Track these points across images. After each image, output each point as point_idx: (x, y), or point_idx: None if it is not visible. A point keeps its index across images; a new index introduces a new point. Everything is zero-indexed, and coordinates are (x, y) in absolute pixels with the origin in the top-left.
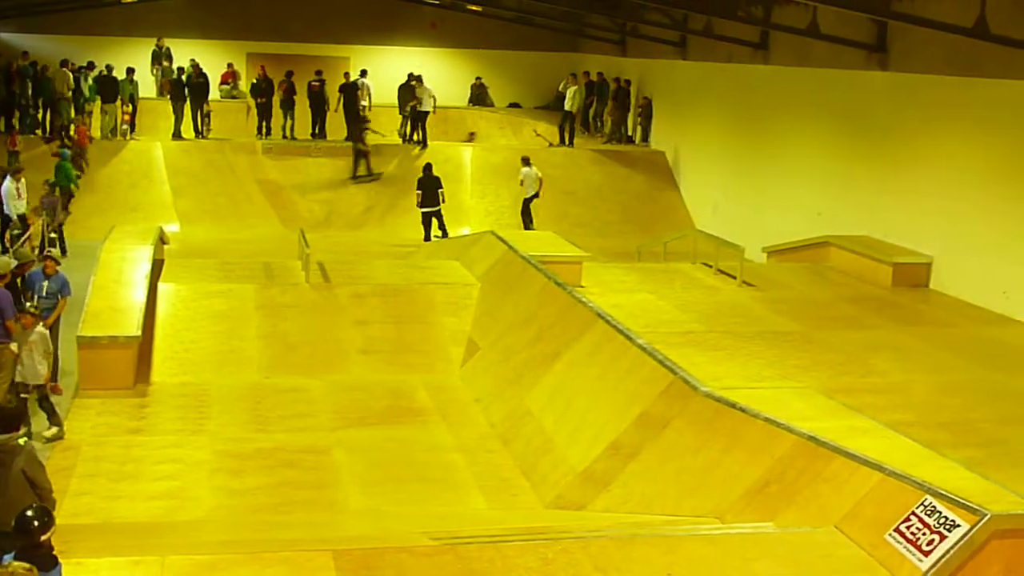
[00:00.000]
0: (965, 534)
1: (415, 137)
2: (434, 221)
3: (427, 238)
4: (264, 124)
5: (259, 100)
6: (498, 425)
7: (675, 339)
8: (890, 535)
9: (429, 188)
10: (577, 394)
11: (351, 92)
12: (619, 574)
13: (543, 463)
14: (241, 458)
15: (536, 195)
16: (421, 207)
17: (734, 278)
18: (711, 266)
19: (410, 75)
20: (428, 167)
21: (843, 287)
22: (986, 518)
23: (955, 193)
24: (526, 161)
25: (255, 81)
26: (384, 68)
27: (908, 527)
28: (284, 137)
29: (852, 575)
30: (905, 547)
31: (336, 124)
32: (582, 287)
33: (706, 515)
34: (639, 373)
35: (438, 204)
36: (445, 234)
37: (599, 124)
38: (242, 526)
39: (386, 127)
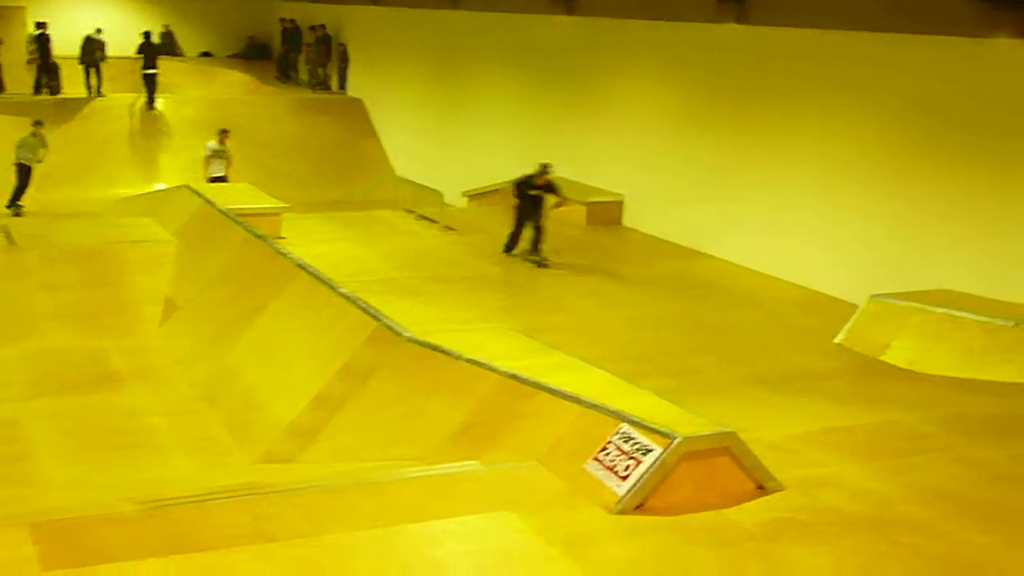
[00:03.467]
0: (658, 458)
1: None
2: None
3: None
4: None
5: None
6: (201, 385)
7: (378, 287)
8: (589, 464)
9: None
10: (281, 348)
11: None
12: (329, 522)
13: (249, 420)
14: None
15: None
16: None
17: (435, 223)
18: (412, 212)
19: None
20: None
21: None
22: (676, 441)
23: (645, 134)
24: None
25: None
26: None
27: (606, 455)
28: None
29: (556, 504)
30: (604, 474)
31: (13, 78)
32: (282, 238)
33: (413, 460)
34: (343, 322)
35: None
36: None
37: (293, 74)
38: None
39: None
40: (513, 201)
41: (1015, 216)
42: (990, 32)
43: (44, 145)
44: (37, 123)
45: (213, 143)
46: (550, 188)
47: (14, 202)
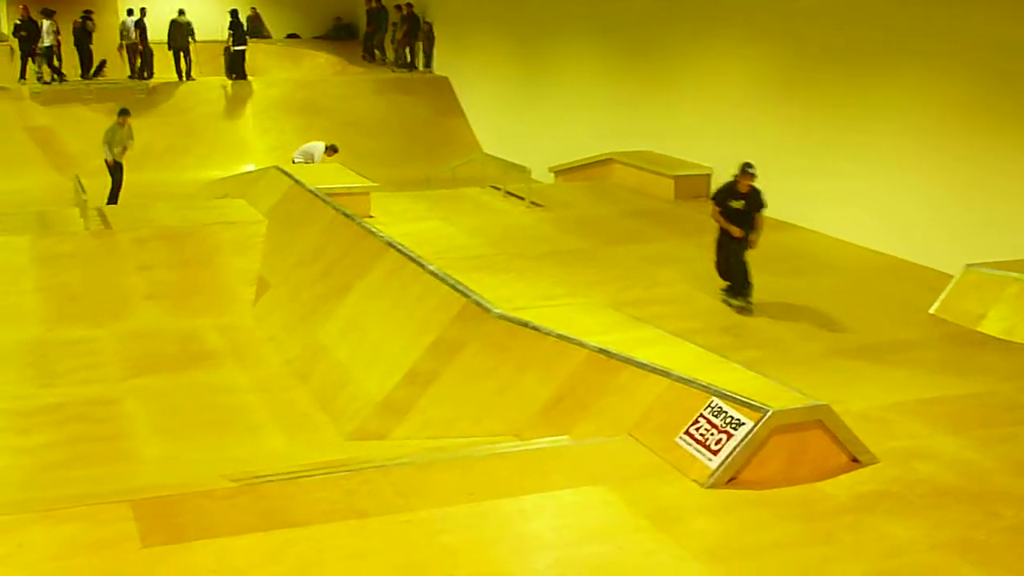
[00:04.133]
0: (749, 431)
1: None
2: None
3: None
4: (30, 68)
5: (24, 42)
6: (293, 362)
7: (466, 264)
8: (680, 438)
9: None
10: (371, 325)
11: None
12: (421, 498)
13: (341, 396)
14: (27, 415)
15: None
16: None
17: (522, 199)
18: (499, 189)
19: (180, 11)
20: None
21: (627, 203)
22: (768, 415)
23: (731, 106)
24: None
25: (18, 22)
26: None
27: (697, 429)
28: (49, 81)
29: (646, 478)
30: (695, 448)
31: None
32: (371, 217)
33: (504, 434)
34: (431, 299)
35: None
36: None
37: (379, 54)
38: (32, 484)
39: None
40: (715, 222)
41: None
42: None
43: (131, 136)
44: (123, 112)
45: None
46: (756, 200)
47: (114, 200)
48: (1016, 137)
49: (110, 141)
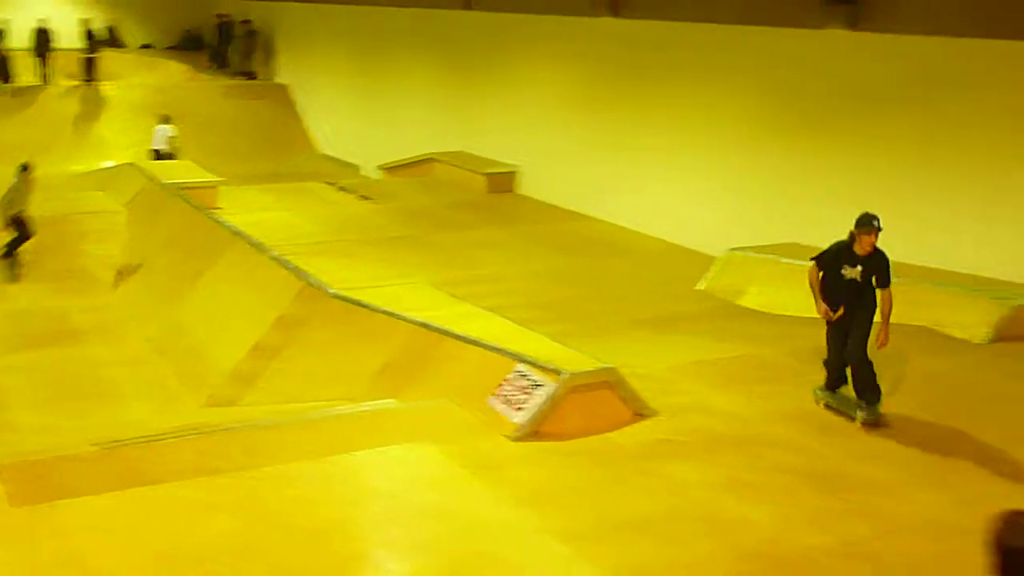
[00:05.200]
0: (548, 391)
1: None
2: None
3: None
4: None
5: None
6: (153, 339)
7: (307, 250)
8: (490, 399)
9: None
10: (222, 304)
11: None
12: (266, 456)
13: (196, 368)
14: None
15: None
16: None
17: (354, 193)
18: (334, 184)
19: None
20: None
21: (447, 196)
22: (563, 376)
23: (538, 113)
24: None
25: None
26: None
27: (505, 391)
28: None
29: (464, 435)
30: (504, 407)
31: None
32: (219, 209)
33: (340, 399)
34: (275, 282)
35: None
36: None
37: (226, 62)
38: None
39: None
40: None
41: (849, 178)
42: (823, 24)
43: (30, 191)
44: (24, 167)
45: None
46: (879, 266)
47: (12, 252)
48: (773, 143)
49: (12, 199)
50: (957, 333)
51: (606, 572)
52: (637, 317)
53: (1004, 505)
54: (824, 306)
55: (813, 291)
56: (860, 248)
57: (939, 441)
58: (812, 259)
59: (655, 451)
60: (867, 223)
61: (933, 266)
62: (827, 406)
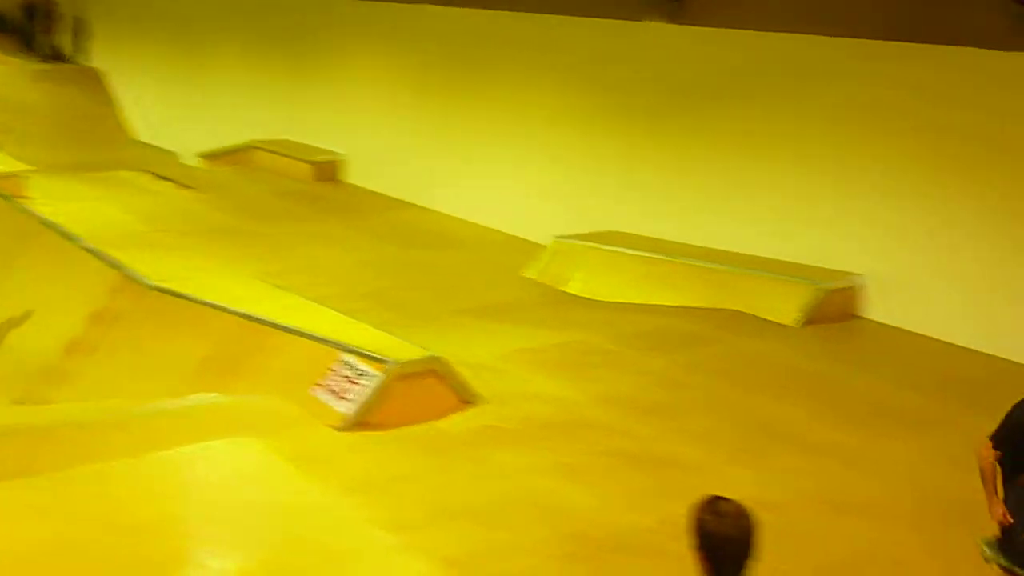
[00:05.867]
0: (375, 381)
1: None
2: None
3: None
4: None
5: None
6: None
7: (124, 240)
8: (315, 390)
9: None
10: (34, 299)
11: None
12: (83, 454)
13: (7, 365)
14: None
15: None
16: None
17: (173, 182)
18: (151, 172)
19: None
20: None
21: (270, 184)
22: (390, 366)
23: (365, 101)
24: None
25: None
26: None
27: (331, 381)
28: None
29: (290, 427)
30: (330, 398)
31: None
32: (29, 198)
33: (161, 394)
34: (89, 274)
35: None
36: None
37: (36, 45)
38: None
39: None
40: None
41: (673, 168)
42: (642, 16)
43: None
44: None
45: None
46: None
47: None
48: (601, 134)
49: None
50: (770, 316)
51: (434, 560)
52: (465, 306)
53: (808, 478)
54: (999, 509)
55: (987, 481)
56: None
57: (750, 419)
58: (994, 437)
59: (483, 438)
60: None
61: (749, 253)
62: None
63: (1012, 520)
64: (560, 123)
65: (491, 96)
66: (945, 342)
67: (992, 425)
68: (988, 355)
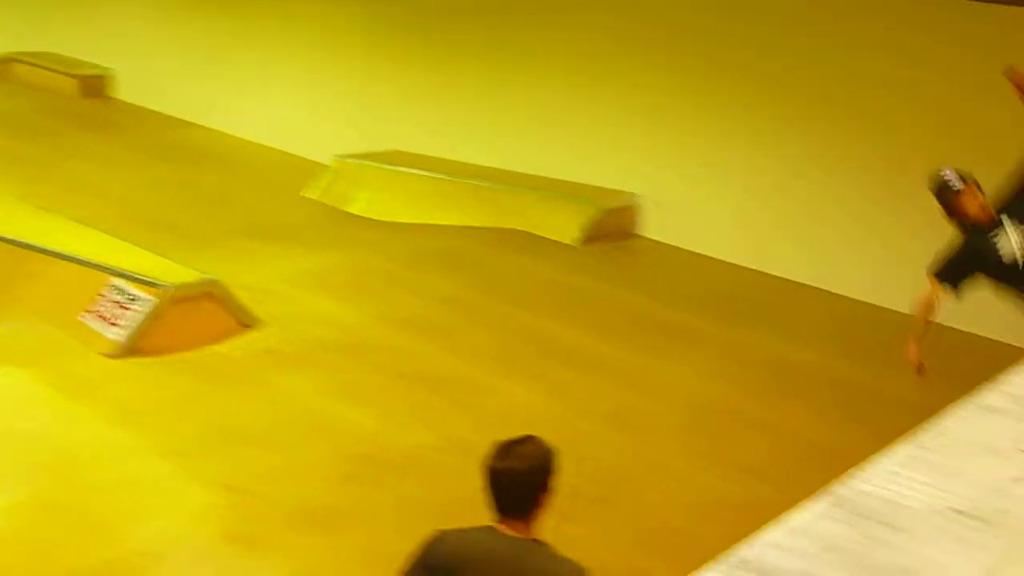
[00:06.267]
0: (148, 305)
1: None
2: None
3: None
4: None
5: None
6: None
7: None
8: (84, 316)
9: None
10: None
11: None
12: None
13: None
14: None
15: None
16: None
17: None
18: None
19: None
20: None
21: (31, 100)
22: (163, 289)
23: (134, 13)
24: None
25: None
26: None
27: (101, 307)
28: None
29: (58, 356)
30: (100, 324)
31: None
32: None
33: None
34: None
35: None
36: None
37: None
38: None
39: None
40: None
41: (449, 87)
42: None
43: None
44: None
45: None
46: None
47: None
48: (381, 51)
49: None
50: (552, 236)
51: (209, 485)
52: (243, 227)
53: (583, 392)
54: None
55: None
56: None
57: (532, 336)
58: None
59: (262, 362)
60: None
61: (532, 173)
62: None
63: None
64: (339, 39)
65: (268, 9)
66: (717, 259)
67: (756, 338)
68: (755, 271)
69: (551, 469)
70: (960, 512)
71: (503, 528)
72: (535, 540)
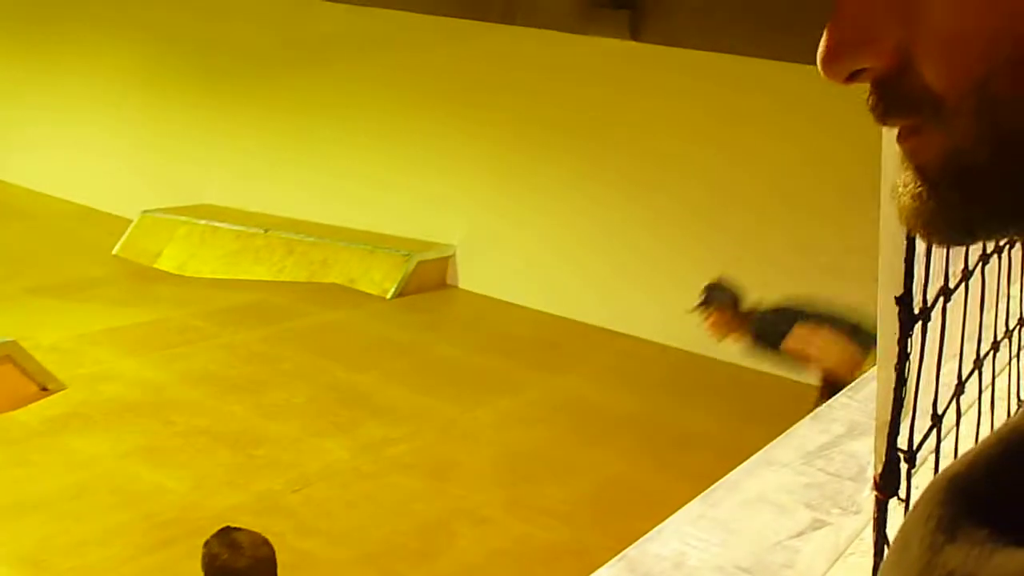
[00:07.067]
0: None
1: None
2: None
3: None
4: None
5: None
6: None
7: None
8: None
9: None
10: None
11: None
12: None
13: None
14: None
15: None
16: None
17: None
18: None
19: None
20: None
21: None
22: None
23: None
24: None
25: None
26: None
27: None
28: None
29: None
30: None
31: None
32: None
33: None
34: None
35: None
36: None
37: None
38: None
39: None
40: None
41: (260, 136)
42: None
43: None
44: None
45: None
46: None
47: None
48: (184, 100)
49: None
50: (365, 289)
51: (7, 560)
52: (41, 284)
53: (399, 445)
54: None
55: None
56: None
57: (341, 390)
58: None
59: (63, 425)
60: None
61: (344, 225)
62: None
63: None
64: (141, 87)
65: (69, 57)
66: (525, 307)
67: (564, 382)
68: (560, 317)
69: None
70: (745, 570)
71: None
72: None
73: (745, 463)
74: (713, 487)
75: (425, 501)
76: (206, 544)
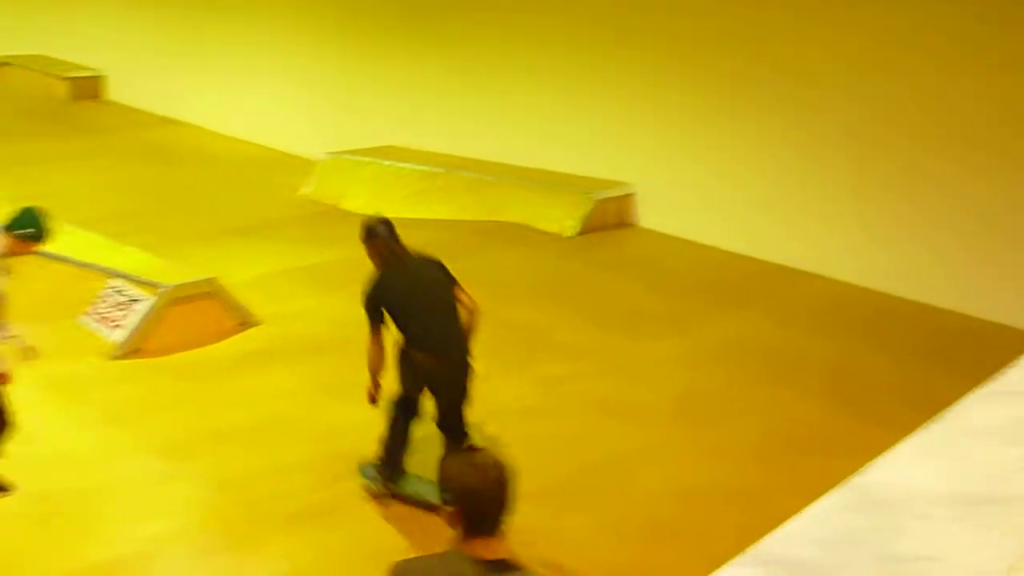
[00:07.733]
0: (147, 306)
1: None
2: None
3: None
4: None
5: None
6: None
7: None
8: (82, 318)
9: None
10: None
11: None
12: None
13: None
14: None
15: None
16: None
17: None
18: None
19: None
20: None
21: (23, 103)
22: (163, 290)
23: (122, 12)
24: None
25: None
26: None
27: (99, 309)
28: None
29: (53, 359)
30: (98, 326)
31: None
32: None
33: None
34: None
35: None
36: None
37: None
38: None
39: None
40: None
41: (440, 79)
42: None
43: None
44: None
45: None
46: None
47: None
48: (367, 45)
49: None
50: (546, 227)
51: (202, 483)
52: (236, 225)
53: (573, 383)
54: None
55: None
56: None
57: (524, 328)
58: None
59: (258, 360)
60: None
61: (525, 165)
62: None
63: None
64: (326, 33)
65: (254, 8)
66: (709, 246)
67: (747, 324)
68: (746, 256)
69: (511, 480)
70: (977, 499)
71: (471, 550)
72: (506, 561)
73: (969, 395)
74: (937, 417)
75: (605, 438)
76: (448, 462)
